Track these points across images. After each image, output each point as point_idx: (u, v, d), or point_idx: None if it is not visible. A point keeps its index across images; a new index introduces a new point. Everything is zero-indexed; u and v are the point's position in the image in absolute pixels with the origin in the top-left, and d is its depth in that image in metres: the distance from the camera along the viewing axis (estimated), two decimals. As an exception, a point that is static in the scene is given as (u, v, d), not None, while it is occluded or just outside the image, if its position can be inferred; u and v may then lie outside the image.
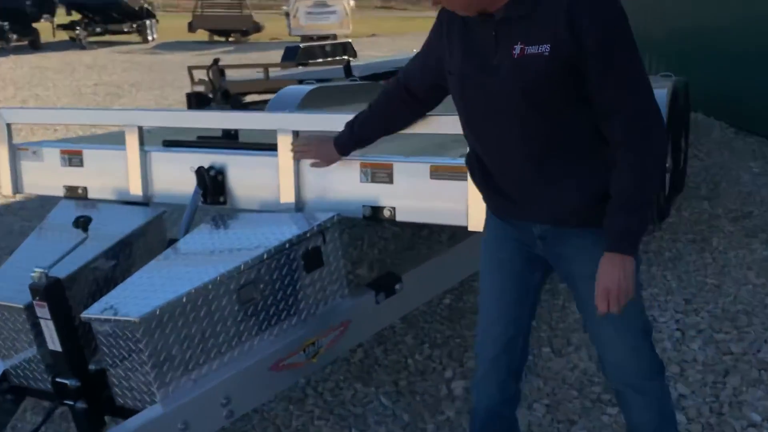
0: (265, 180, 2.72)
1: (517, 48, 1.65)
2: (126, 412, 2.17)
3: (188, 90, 6.09)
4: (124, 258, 2.60)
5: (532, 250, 1.89)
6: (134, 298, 2.12)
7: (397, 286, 2.60)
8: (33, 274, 2.15)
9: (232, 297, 2.22)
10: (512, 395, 2.03)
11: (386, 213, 2.51)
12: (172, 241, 2.58)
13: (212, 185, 2.78)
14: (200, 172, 2.77)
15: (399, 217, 2.50)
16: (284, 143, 2.64)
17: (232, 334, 2.22)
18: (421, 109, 2.20)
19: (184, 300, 2.11)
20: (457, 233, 2.98)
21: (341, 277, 2.50)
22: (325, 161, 2.45)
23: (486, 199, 1.95)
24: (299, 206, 2.68)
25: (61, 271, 2.32)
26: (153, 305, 2.06)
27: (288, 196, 2.66)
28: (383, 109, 2.22)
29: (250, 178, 2.78)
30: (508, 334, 1.94)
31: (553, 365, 3.10)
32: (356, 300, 2.51)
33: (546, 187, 1.75)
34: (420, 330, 3.46)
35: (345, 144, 2.36)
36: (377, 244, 4.77)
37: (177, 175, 2.87)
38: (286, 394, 2.90)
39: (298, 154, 2.50)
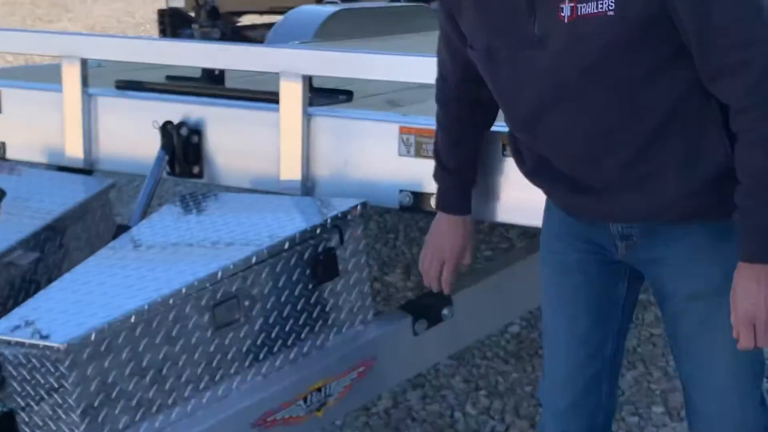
0: (259, 145, 2.63)
1: (566, 7, 1.63)
2: None
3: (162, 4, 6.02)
4: (52, 250, 2.52)
5: (611, 256, 1.90)
6: (62, 313, 2.02)
7: (445, 311, 2.48)
8: None
9: (203, 318, 2.11)
10: None
11: (435, 203, 2.38)
12: (122, 229, 2.49)
13: (183, 150, 2.69)
14: (167, 130, 2.68)
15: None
16: (290, 93, 2.52)
17: (201, 371, 2.12)
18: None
19: (133, 320, 2.00)
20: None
21: (365, 293, 2.39)
22: (464, 252, 2.25)
23: (540, 188, 1.99)
24: (307, 187, 2.59)
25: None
26: (87, 326, 1.95)
27: (292, 171, 2.57)
28: (454, 123, 2.14)
29: (239, 141, 2.69)
30: (586, 372, 1.97)
31: (667, 434, 2.98)
32: (385, 328, 2.40)
33: (632, 175, 1.76)
34: (474, 369, 3.37)
35: (459, 201, 2.21)
36: (417, 240, 4.66)
37: (133, 133, 2.79)
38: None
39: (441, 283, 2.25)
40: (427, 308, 2.46)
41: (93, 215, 2.66)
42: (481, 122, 2.15)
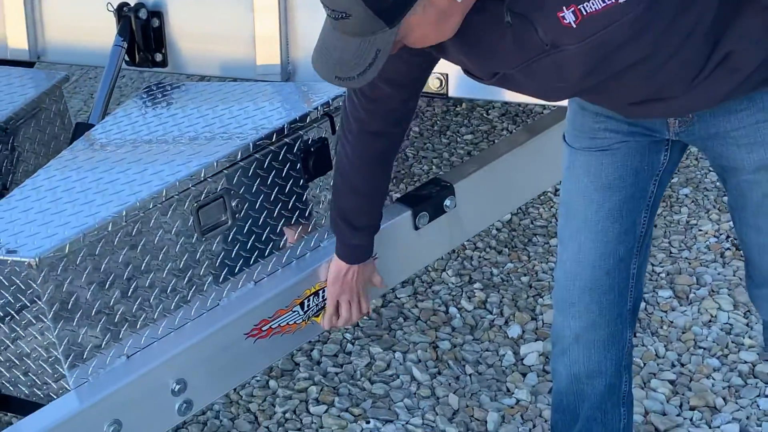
0: (230, 27, 2.53)
1: (568, 14, 1.54)
2: (18, 406, 2.04)
3: None
4: (3, 153, 2.40)
5: (660, 137, 1.85)
6: (28, 224, 1.92)
7: (447, 202, 2.40)
8: None
9: (186, 222, 2.01)
10: (621, 352, 2.01)
11: (434, 84, 2.31)
12: (83, 127, 2.37)
13: (143, 35, 2.57)
14: (123, 13, 2.54)
15: (454, 91, 2.33)
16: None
17: (186, 281, 2.04)
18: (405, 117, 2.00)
19: (110, 228, 1.91)
20: (546, 116, 2.77)
21: (360, 187, 2.27)
22: (372, 284, 2.24)
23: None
24: (288, 72, 2.49)
25: None
26: (59, 237, 1.86)
27: (270, 55, 2.48)
28: (364, 172, 2.02)
29: (206, 24, 2.58)
30: (619, 249, 1.91)
31: (676, 318, 2.94)
32: (385, 223, 2.29)
33: (719, 73, 1.69)
34: (466, 262, 3.31)
35: (368, 251, 2.16)
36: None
37: (84, 18, 2.67)
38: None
39: (341, 321, 2.21)
40: (428, 200, 2.38)
41: (46, 113, 2.52)
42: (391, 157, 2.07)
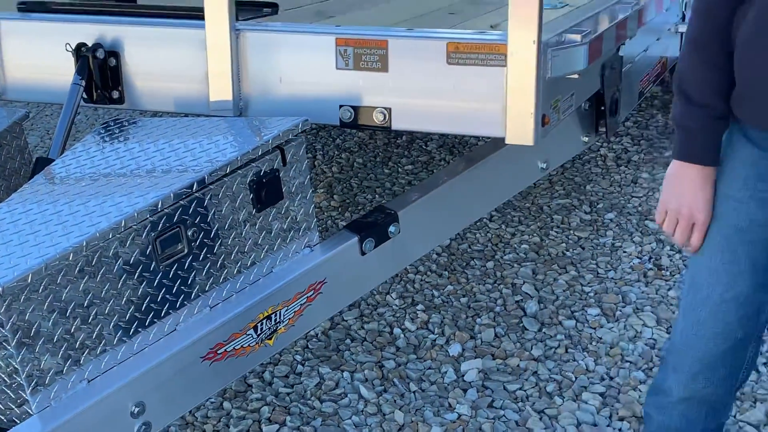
0: (184, 65, 2.49)
1: None
2: None
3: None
4: None
5: None
6: None
7: (392, 228, 2.39)
8: None
9: (145, 251, 1.97)
10: (720, 421, 1.92)
11: (377, 117, 2.30)
12: (44, 161, 2.31)
13: (101, 74, 2.52)
14: (81, 53, 2.49)
15: (397, 124, 2.31)
16: (216, 7, 2.35)
17: (145, 307, 2.00)
18: None
19: (71, 258, 1.86)
20: (483, 145, 2.79)
21: (310, 215, 2.27)
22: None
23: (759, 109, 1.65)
24: (240, 107, 2.46)
25: None
26: (22, 267, 1.81)
27: (222, 92, 2.44)
28: (716, 37, 1.69)
29: (161, 62, 2.53)
30: (737, 333, 1.78)
31: (604, 334, 2.97)
32: (333, 249, 2.29)
33: None
34: (408, 285, 3.31)
35: (714, 147, 1.74)
36: (336, 158, 4.55)
37: (43, 58, 2.61)
38: (221, 386, 2.71)
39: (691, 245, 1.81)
40: (373, 226, 2.37)
41: (7, 149, 2.47)
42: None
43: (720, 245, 1.72)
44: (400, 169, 4.38)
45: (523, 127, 2.10)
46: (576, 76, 2.34)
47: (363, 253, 2.35)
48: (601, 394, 2.70)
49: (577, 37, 2.29)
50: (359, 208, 3.97)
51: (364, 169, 4.40)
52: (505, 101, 2.13)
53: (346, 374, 2.83)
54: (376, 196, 4.11)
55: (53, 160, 2.28)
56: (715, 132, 1.69)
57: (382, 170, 4.37)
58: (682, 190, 1.71)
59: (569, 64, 2.25)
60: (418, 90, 2.24)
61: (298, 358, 2.92)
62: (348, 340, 3.01)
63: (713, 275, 1.75)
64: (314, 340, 3.01)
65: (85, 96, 2.52)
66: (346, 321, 3.11)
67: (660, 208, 1.76)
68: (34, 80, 2.64)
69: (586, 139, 3.04)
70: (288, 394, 2.76)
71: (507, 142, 2.15)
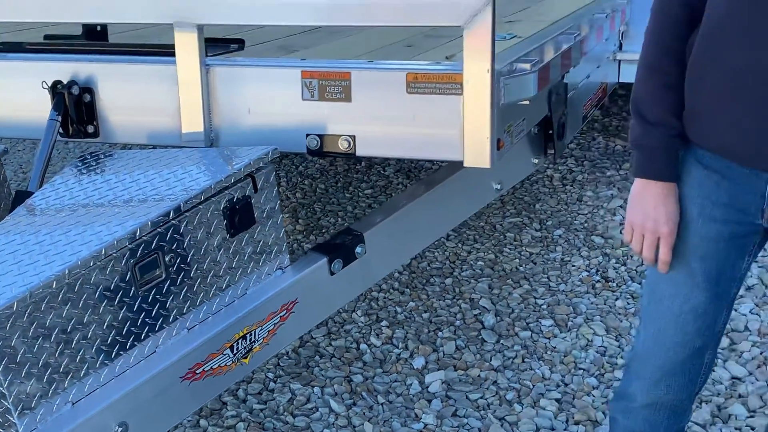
0: (156, 100, 2.46)
1: None
2: None
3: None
4: None
5: (750, 221, 1.69)
6: None
7: (358, 249, 2.40)
8: None
9: (125, 277, 1.96)
10: (681, 424, 1.93)
11: (342, 145, 2.31)
12: (22, 195, 2.28)
13: (76, 109, 2.50)
14: (57, 89, 2.47)
15: (361, 150, 2.31)
16: (186, 44, 2.34)
17: (126, 331, 1.98)
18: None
19: (54, 285, 1.84)
20: (440, 169, 2.82)
21: (280, 239, 2.27)
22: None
23: (712, 126, 1.66)
24: (210, 138, 2.45)
25: None
26: (8, 296, 1.79)
27: (194, 124, 2.42)
28: (672, 59, 1.71)
29: (133, 97, 2.51)
30: (695, 343, 1.80)
31: (558, 344, 3.01)
32: (303, 270, 2.30)
33: None
34: (372, 302, 3.32)
35: (671, 163, 1.74)
36: (299, 184, 4.56)
37: (20, 95, 2.58)
38: (197, 405, 2.69)
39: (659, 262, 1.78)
40: (341, 248, 2.37)
41: (-13, 182, 2.41)
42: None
43: (677, 259, 1.73)
44: (360, 193, 4.40)
45: (480, 150, 2.13)
46: (527, 102, 2.38)
47: (332, 273, 2.35)
48: (557, 400, 2.73)
49: (527, 66, 2.33)
50: (323, 231, 3.98)
51: (326, 194, 4.41)
52: (462, 127, 2.16)
53: (316, 389, 2.83)
54: (339, 219, 4.11)
55: (32, 193, 2.26)
56: (672, 149, 1.71)
57: (343, 195, 4.39)
58: (645, 207, 1.72)
59: (520, 91, 2.28)
60: (380, 118, 2.26)
61: (270, 375, 2.92)
62: (317, 357, 3.01)
63: (673, 287, 1.76)
64: (285, 357, 3.00)
65: (61, 131, 2.49)
66: (315, 338, 3.11)
67: (626, 227, 1.77)
68: (11, 117, 2.60)
69: (536, 161, 3.09)
70: (262, 410, 2.75)
71: (465, 165, 2.18)
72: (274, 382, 2.88)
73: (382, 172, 4.66)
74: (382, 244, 2.47)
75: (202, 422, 2.69)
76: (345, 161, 4.76)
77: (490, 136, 2.12)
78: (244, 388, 2.84)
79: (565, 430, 2.59)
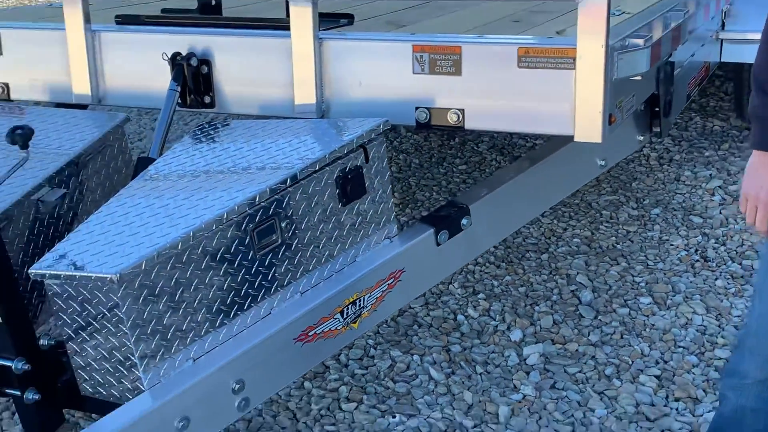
0: (270, 72, 2.50)
1: None
2: (96, 405, 2.01)
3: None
4: (75, 186, 2.37)
5: None
6: (107, 245, 1.91)
7: (464, 221, 2.41)
8: (-46, 214, 1.90)
9: (244, 241, 2.00)
10: None
11: (451, 118, 2.31)
12: (145, 161, 2.35)
13: (194, 80, 2.56)
14: (177, 61, 2.52)
15: (469, 124, 2.31)
16: (301, 18, 2.37)
17: (243, 293, 2.03)
18: None
19: (180, 247, 1.90)
20: (544, 145, 2.79)
21: (389, 209, 2.29)
22: None
23: None
24: (321, 110, 2.47)
25: (-8, 206, 2.08)
26: (135, 256, 1.86)
27: (306, 96, 2.45)
28: None
29: (249, 69, 2.55)
30: None
31: (657, 321, 2.96)
32: (410, 240, 2.32)
33: None
34: (468, 275, 3.31)
35: None
36: (393, 159, 4.57)
37: (140, 67, 2.65)
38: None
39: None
40: (447, 219, 2.38)
41: (111, 150, 2.49)
42: None
43: None
44: (454, 169, 4.39)
45: (592, 125, 2.11)
46: (638, 78, 2.33)
47: (438, 244, 2.37)
48: (657, 377, 2.69)
49: (640, 42, 2.29)
50: (418, 204, 3.99)
51: (421, 168, 4.41)
52: (573, 101, 2.13)
53: (416, 357, 2.85)
54: (433, 193, 4.11)
55: (154, 160, 2.33)
56: None
57: (437, 169, 4.38)
58: (760, 179, 1.69)
59: (633, 67, 2.25)
60: (490, 92, 2.26)
61: (371, 342, 2.95)
62: (416, 326, 3.03)
63: None
64: (384, 326, 3.03)
65: (179, 101, 2.56)
66: (413, 308, 3.13)
67: (741, 197, 1.75)
68: (132, 87, 2.68)
69: (641, 138, 3.03)
70: (363, 375, 2.78)
71: (576, 139, 2.16)
72: (375, 348, 2.91)
73: (475, 148, 4.63)
74: (487, 216, 2.47)
75: (306, 384, 2.74)
76: (438, 137, 4.76)
77: (602, 110, 2.09)
78: (345, 353, 2.88)
79: (665, 406, 2.56)
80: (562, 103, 2.16)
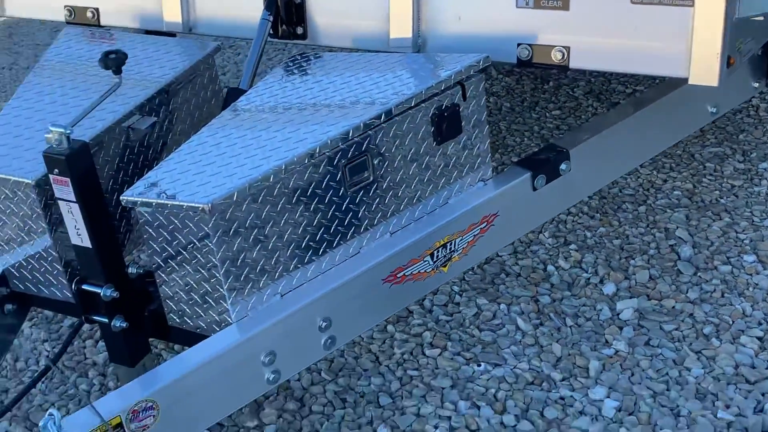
0: (365, 4, 2.49)
1: None
2: (182, 336, 2.07)
3: None
4: (165, 114, 2.40)
5: None
6: (199, 175, 1.95)
7: (563, 166, 2.36)
8: (49, 135, 1.95)
9: (335, 176, 2.01)
10: None
11: (555, 56, 2.26)
12: (235, 92, 2.37)
13: (287, 11, 2.55)
14: None
15: (575, 63, 2.25)
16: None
17: (333, 230, 2.04)
18: None
19: (271, 180, 1.92)
20: (651, 89, 2.71)
21: (485, 150, 2.27)
22: None
23: None
24: (418, 45, 2.44)
25: (85, 132, 2.12)
26: (227, 187, 1.89)
27: (402, 29, 2.43)
28: None
29: (343, 1, 2.54)
30: None
31: (761, 281, 2.89)
32: (506, 184, 2.29)
33: None
34: (560, 224, 3.27)
35: None
36: (486, 102, 4.51)
37: None
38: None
39: None
40: (545, 163, 2.35)
41: (201, 79, 2.52)
42: None
43: None
44: (547, 114, 4.31)
45: (709, 67, 2.03)
46: (760, 18, 2.24)
47: (534, 189, 2.33)
48: (759, 338, 2.63)
49: (765, -22, 2.19)
50: (509, 149, 3.94)
51: (512, 113, 4.35)
52: (690, 41, 2.06)
53: (502, 306, 2.84)
54: (525, 138, 4.05)
55: (245, 91, 2.34)
56: None
57: (530, 114, 4.31)
58: None
59: (756, 6, 2.15)
60: (599, 29, 2.19)
61: (456, 289, 2.95)
62: (503, 275, 3.02)
63: None
64: (470, 272, 3.02)
65: (271, 31, 2.56)
66: (501, 256, 3.11)
67: None
68: (223, 16, 2.69)
69: (756, 85, 2.92)
70: (447, 321, 2.79)
71: (690, 82, 2.08)
72: (460, 295, 2.91)
73: (570, 92, 4.53)
74: (588, 162, 2.42)
75: (389, 328, 2.77)
76: (532, 80, 4.67)
77: (720, 52, 2.01)
78: (430, 298, 2.89)
79: (766, 368, 2.50)
80: (678, 42, 2.08)
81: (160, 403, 1.80)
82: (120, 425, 1.76)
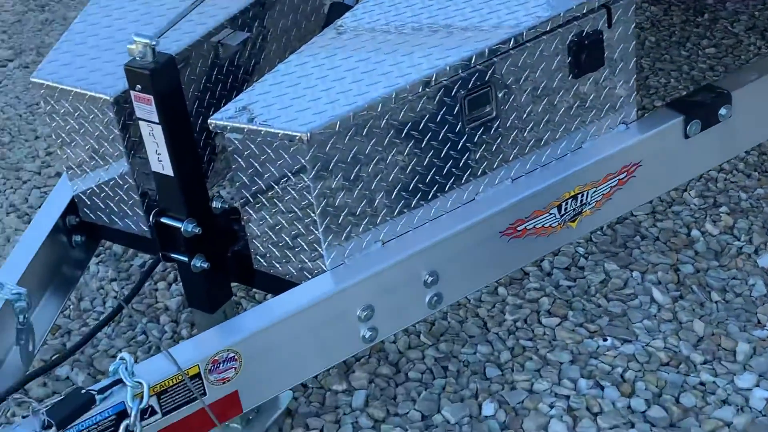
0: None
1: None
2: (268, 282, 2.09)
3: None
4: (259, 30, 2.42)
5: None
6: (297, 100, 1.96)
7: (723, 111, 2.30)
8: (131, 47, 1.98)
9: (453, 109, 2.00)
10: None
11: None
12: (338, 7, 2.37)
13: None
14: None
15: None
16: None
17: (446, 171, 2.04)
18: None
19: (379, 109, 1.92)
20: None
21: (630, 87, 2.23)
22: None
23: None
24: None
25: (170, 46, 2.16)
26: (328, 115, 1.89)
27: None
28: None
29: None
30: None
31: None
32: (652, 129, 2.25)
33: None
34: (709, 183, 3.23)
35: None
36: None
37: None
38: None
39: None
40: (701, 107, 2.29)
41: (298, -8, 2.52)
42: None
43: None
44: (699, 52, 4.19)
45: None
46: None
47: (686, 137, 2.28)
48: None
49: None
50: (651, 92, 3.86)
51: (657, 48, 4.25)
52: None
53: (636, 274, 2.81)
54: (671, 80, 3.96)
55: (351, 6, 2.34)
56: None
57: (678, 52, 4.20)
58: None
59: None
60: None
61: (581, 250, 2.93)
62: (638, 238, 2.98)
63: None
64: (599, 233, 2.99)
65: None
66: (636, 216, 3.07)
67: None
68: None
69: None
70: (570, 287, 2.78)
71: None
72: (585, 258, 2.89)
73: (729, 28, 4.40)
74: (753, 108, 2.36)
75: (501, 290, 2.77)
76: (683, 11, 4.55)
77: None
78: (549, 259, 2.88)
79: None
80: None
81: (243, 354, 1.84)
82: (198, 375, 1.81)
